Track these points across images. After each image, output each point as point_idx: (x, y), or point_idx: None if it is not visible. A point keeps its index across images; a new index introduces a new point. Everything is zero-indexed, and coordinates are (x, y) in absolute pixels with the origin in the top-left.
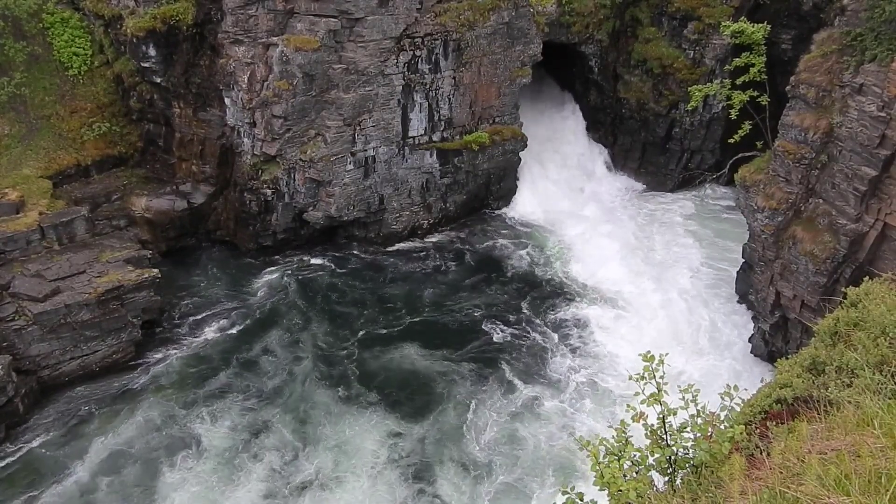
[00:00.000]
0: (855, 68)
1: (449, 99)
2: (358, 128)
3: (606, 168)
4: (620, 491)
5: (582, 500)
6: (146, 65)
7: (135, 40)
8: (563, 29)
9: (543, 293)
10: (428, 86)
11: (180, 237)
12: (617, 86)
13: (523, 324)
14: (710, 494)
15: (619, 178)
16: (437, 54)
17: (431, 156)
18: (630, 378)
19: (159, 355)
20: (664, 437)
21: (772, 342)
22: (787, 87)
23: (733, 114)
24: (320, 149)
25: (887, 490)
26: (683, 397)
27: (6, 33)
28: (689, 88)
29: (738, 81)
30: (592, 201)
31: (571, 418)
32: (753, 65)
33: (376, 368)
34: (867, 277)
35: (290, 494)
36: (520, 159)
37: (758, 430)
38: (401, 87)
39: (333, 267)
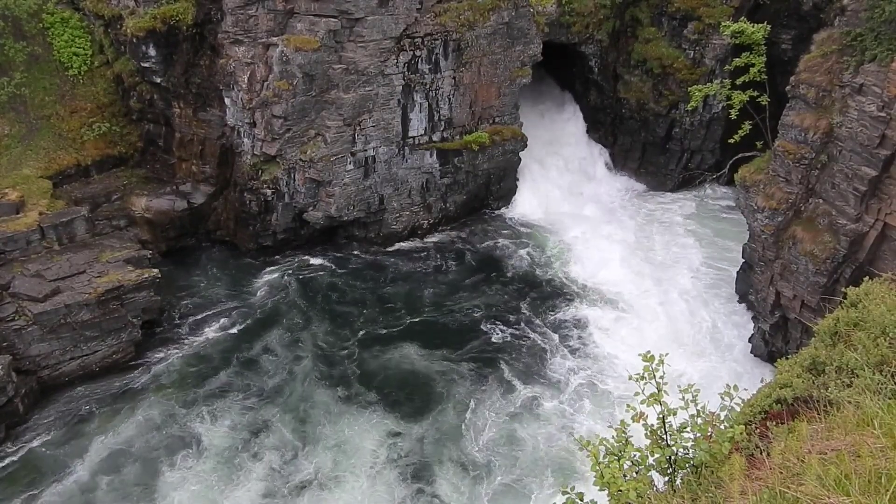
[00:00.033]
0: (855, 68)
1: (449, 99)
2: (358, 128)
3: (606, 168)
4: (620, 491)
5: (582, 500)
6: (146, 65)
7: (135, 40)
8: (563, 29)
9: (543, 294)
10: (428, 86)
11: (180, 237)
12: (617, 86)
13: (523, 324)
14: (710, 494)
15: (619, 179)
16: (437, 54)
17: (431, 156)
18: (630, 378)
19: (159, 355)
20: (664, 437)
21: (772, 342)
22: (787, 87)
23: (733, 114)
24: (320, 149)
25: (887, 490)
26: (683, 397)
27: (6, 33)
28: (689, 88)
29: (738, 81)
30: (592, 201)
31: (570, 419)
32: (753, 65)
33: (376, 368)
34: (867, 277)
35: (289, 494)
36: (520, 159)
37: (758, 430)
38: (401, 87)
39: (333, 267)
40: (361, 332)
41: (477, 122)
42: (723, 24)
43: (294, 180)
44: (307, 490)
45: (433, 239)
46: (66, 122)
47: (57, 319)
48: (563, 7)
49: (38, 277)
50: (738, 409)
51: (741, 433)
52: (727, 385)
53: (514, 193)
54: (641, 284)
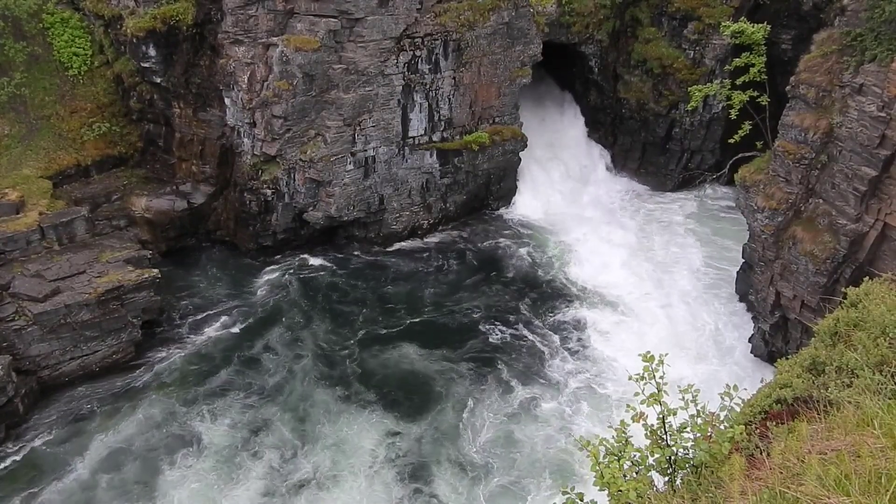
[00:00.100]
0: (855, 68)
1: (449, 99)
2: (358, 128)
3: (606, 168)
4: (620, 491)
5: (582, 500)
6: (146, 65)
7: (135, 40)
8: (563, 29)
9: (543, 295)
10: (428, 86)
11: (180, 237)
12: (617, 86)
13: (522, 325)
14: (710, 494)
15: (619, 179)
16: (437, 54)
17: (431, 156)
18: (630, 378)
19: (160, 354)
20: (664, 437)
21: (772, 342)
22: (787, 87)
23: (733, 114)
24: (320, 149)
25: (887, 490)
26: (683, 397)
27: (6, 33)
28: (689, 88)
29: (738, 81)
30: (592, 202)
31: (569, 421)
32: (753, 65)
33: (376, 367)
34: (867, 277)
35: (287, 493)
36: (520, 159)
37: (758, 431)
38: (401, 88)
39: (334, 267)
40: (361, 332)
41: (477, 122)
42: (723, 24)
43: (294, 180)
44: (306, 489)
45: (433, 239)
46: (66, 122)
47: (57, 319)
48: (563, 7)
49: (38, 277)
50: (738, 409)
51: (741, 433)
52: (727, 385)
53: (514, 193)
54: (641, 286)
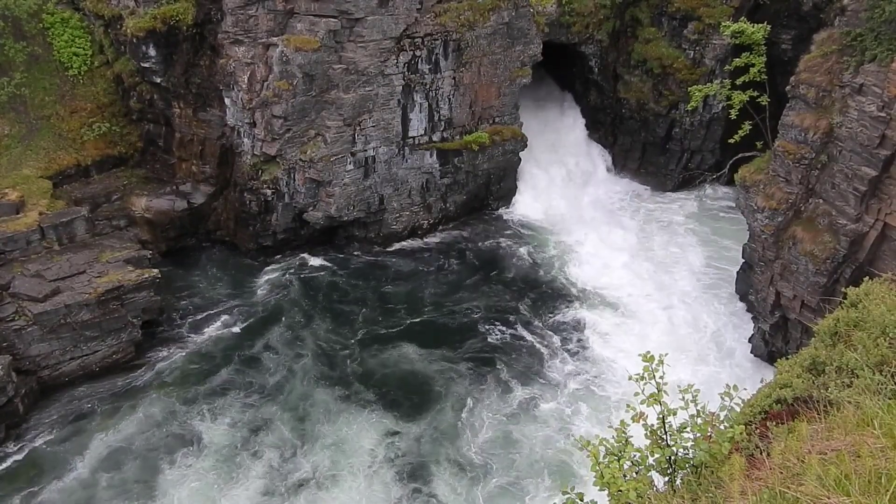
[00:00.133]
0: (855, 68)
1: (449, 99)
2: (358, 128)
3: (606, 168)
4: (620, 491)
5: (582, 500)
6: (146, 65)
7: (135, 40)
8: (563, 29)
9: (543, 295)
10: (428, 86)
11: (180, 237)
12: (617, 86)
13: (522, 326)
14: (710, 494)
15: (619, 179)
16: (437, 54)
17: (431, 156)
18: (630, 378)
19: (160, 354)
20: (664, 437)
21: (772, 342)
22: (787, 87)
23: (733, 114)
24: (320, 149)
25: (887, 490)
26: (683, 397)
27: (6, 33)
28: (689, 88)
29: (738, 81)
30: (592, 202)
31: (568, 422)
32: (753, 65)
33: (375, 367)
34: (867, 277)
35: (287, 492)
36: (520, 159)
37: (758, 431)
38: (401, 88)
39: (334, 267)
40: (361, 332)
41: (477, 122)
42: (723, 24)
43: (294, 180)
44: (305, 488)
45: (433, 239)
46: (66, 122)
47: (57, 319)
48: (563, 7)
49: (38, 277)
50: (737, 409)
51: (741, 433)
52: (727, 385)
53: (514, 193)
54: (641, 287)
